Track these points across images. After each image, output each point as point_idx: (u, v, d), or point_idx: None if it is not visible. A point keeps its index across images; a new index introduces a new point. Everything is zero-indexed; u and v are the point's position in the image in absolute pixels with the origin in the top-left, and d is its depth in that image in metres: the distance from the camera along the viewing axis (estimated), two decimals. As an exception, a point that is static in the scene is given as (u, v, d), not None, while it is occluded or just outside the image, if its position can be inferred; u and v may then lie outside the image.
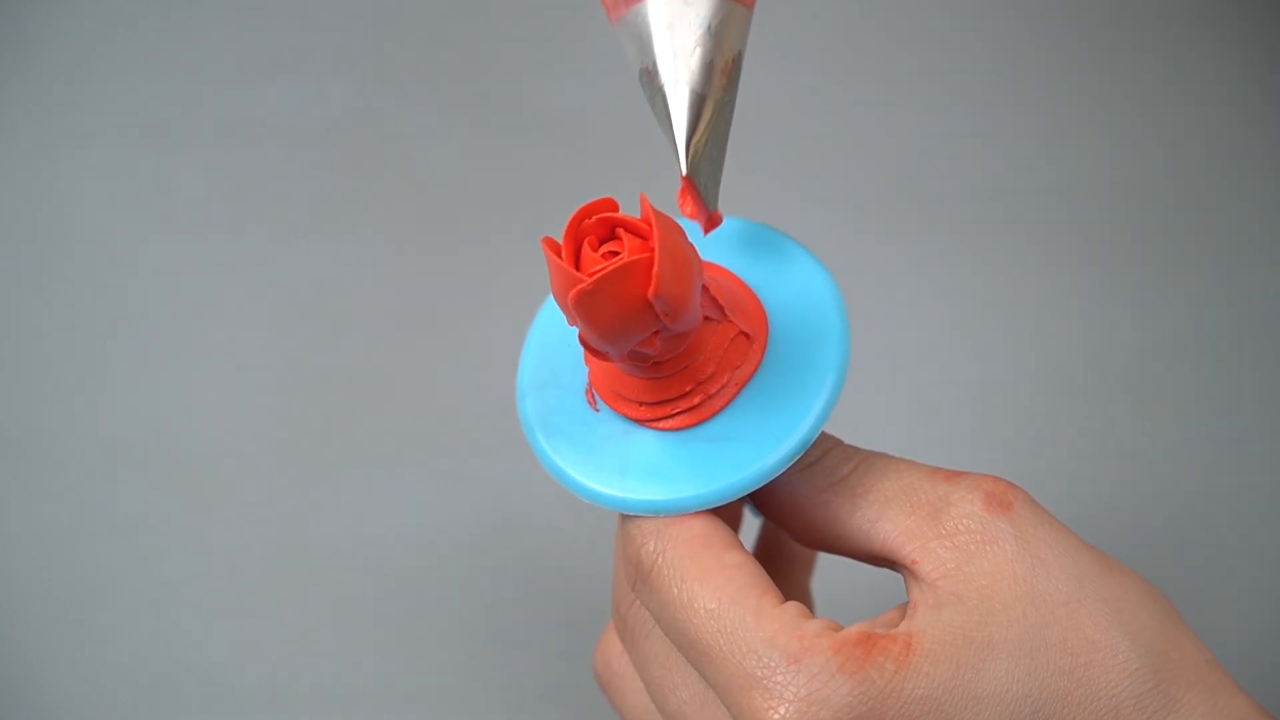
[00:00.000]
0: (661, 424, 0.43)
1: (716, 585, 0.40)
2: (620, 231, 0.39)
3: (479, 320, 0.71)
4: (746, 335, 0.43)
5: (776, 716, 0.39)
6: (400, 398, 0.70)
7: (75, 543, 0.67)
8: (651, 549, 0.42)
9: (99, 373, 0.70)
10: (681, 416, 0.43)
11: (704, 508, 0.42)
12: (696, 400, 0.42)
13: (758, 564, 0.41)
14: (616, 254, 0.39)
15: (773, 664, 0.39)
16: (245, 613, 0.66)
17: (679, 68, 0.41)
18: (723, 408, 0.43)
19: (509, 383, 0.70)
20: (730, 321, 0.42)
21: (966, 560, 0.40)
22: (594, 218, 0.40)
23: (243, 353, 0.71)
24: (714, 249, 0.45)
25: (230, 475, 0.68)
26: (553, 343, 0.46)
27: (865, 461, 0.43)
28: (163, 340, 0.71)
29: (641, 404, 0.43)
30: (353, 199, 0.74)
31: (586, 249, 0.40)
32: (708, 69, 0.41)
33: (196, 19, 0.77)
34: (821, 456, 0.43)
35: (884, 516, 0.42)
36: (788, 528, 0.44)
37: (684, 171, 0.41)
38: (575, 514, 0.67)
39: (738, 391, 0.43)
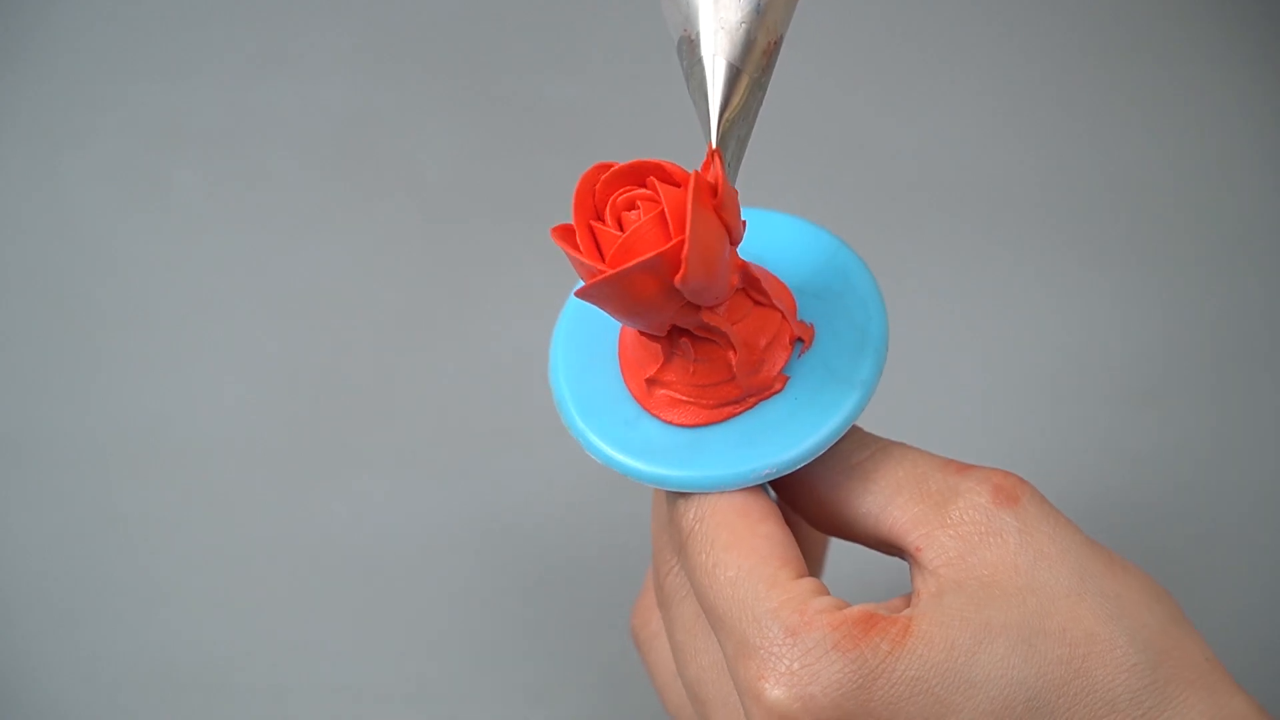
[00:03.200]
0: (714, 414, 0.44)
1: (741, 554, 0.41)
2: (651, 181, 0.40)
3: (479, 319, 0.71)
4: (782, 314, 0.44)
5: (768, 686, 0.39)
6: (400, 397, 0.70)
7: (75, 542, 0.67)
8: (691, 516, 0.43)
9: (98, 372, 0.70)
10: (730, 407, 0.43)
11: (735, 487, 0.43)
12: (746, 389, 0.43)
13: (789, 536, 0.42)
14: (644, 205, 0.39)
15: (771, 635, 0.40)
16: (245, 612, 0.66)
17: (721, 41, 0.41)
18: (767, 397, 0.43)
19: (509, 381, 0.71)
20: (774, 308, 0.43)
21: (969, 550, 0.41)
22: (603, 179, 0.40)
23: (242, 352, 0.71)
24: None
25: (230, 475, 0.68)
26: (583, 330, 0.46)
27: (881, 449, 0.44)
28: (162, 340, 0.71)
29: (686, 395, 0.43)
30: (353, 199, 0.74)
31: (607, 220, 0.40)
32: (750, 46, 0.41)
33: (197, 19, 0.77)
34: (839, 442, 0.44)
35: (893, 503, 0.42)
36: (799, 508, 0.45)
37: (713, 143, 0.41)
38: (577, 513, 0.67)
39: (782, 386, 0.43)
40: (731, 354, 0.42)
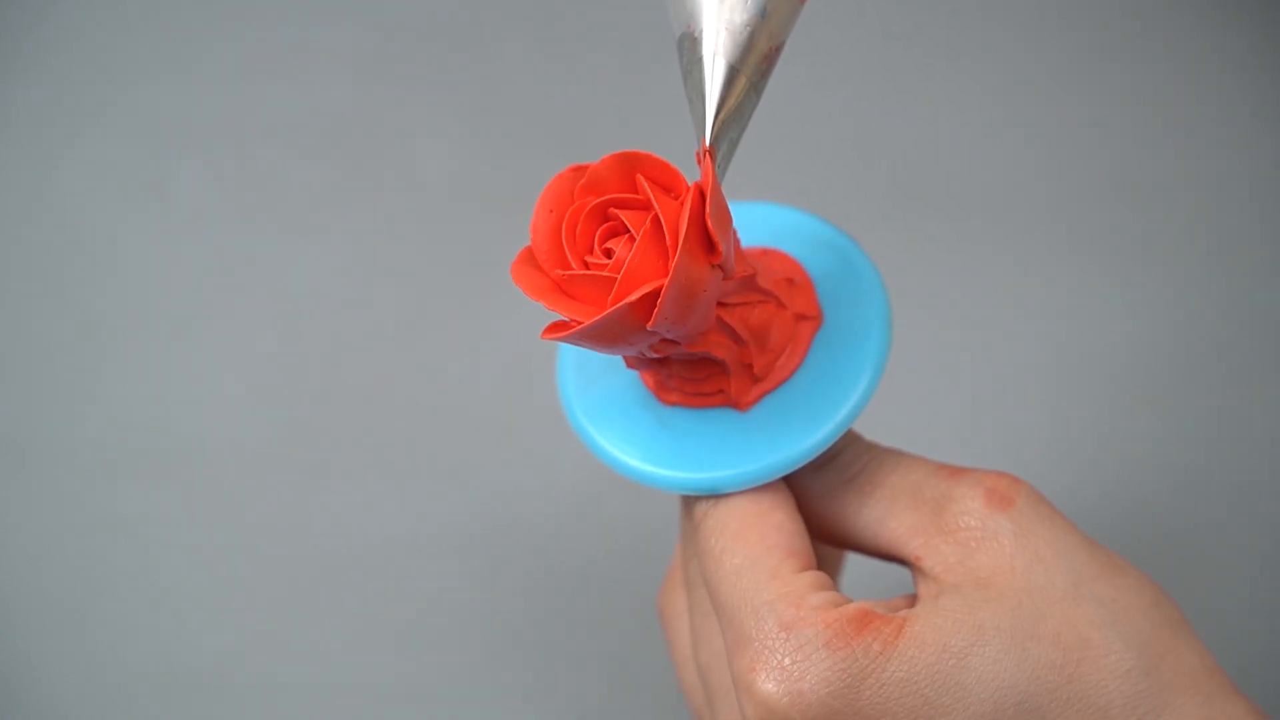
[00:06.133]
0: (710, 400, 0.44)
1: (748, 543, 0.42)
2: (640, 182, 0.40)
3: (479, 320, 0.71)
4: (805, 317, 0.44)
5: (759, 679, 0.39)
6: (400, 397, 0.70)
7: (75, 543, 0.67)
8: (706, 502, 0.43)
9: (99, 373, 0.70)
10: (745, 394, 0.44)
11: (741, 488, 0.43)
12: (756, 378, 0.44)
13: (800, 526, 0.42)
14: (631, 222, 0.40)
15: (766, 628, 0.40)
16: (245, 612, 0.66)
17: (723, 40, 0.41)
18: (774, 388, 0.44)
19: (509, 382, 0.71)
20: (783, 308, 0.43)
21: (967, 555, 0.41)
22: (577, 188, 0.40)
23: (242, 352, 0.71)
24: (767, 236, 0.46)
25: (230, 475, 0.68)
26: (586, 354, 0.46)
27: (876, 458, 0.44)
28: (162, 340, 0.71)
29: (698, 394, 0.44)
30: (353, 198, 0.74)
31: (570, 260, 0.40)
32: (751, 49, 0.41)
33: (196, 19, 0.77)
34: (836, 454, 0.44)
35: (890, 514, 0.43)
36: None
37: (707, 141, 0.41)
38: (577, 512, 0.67)
39: (789, 375, 0.44)
40: (727, 361, 0.42)
